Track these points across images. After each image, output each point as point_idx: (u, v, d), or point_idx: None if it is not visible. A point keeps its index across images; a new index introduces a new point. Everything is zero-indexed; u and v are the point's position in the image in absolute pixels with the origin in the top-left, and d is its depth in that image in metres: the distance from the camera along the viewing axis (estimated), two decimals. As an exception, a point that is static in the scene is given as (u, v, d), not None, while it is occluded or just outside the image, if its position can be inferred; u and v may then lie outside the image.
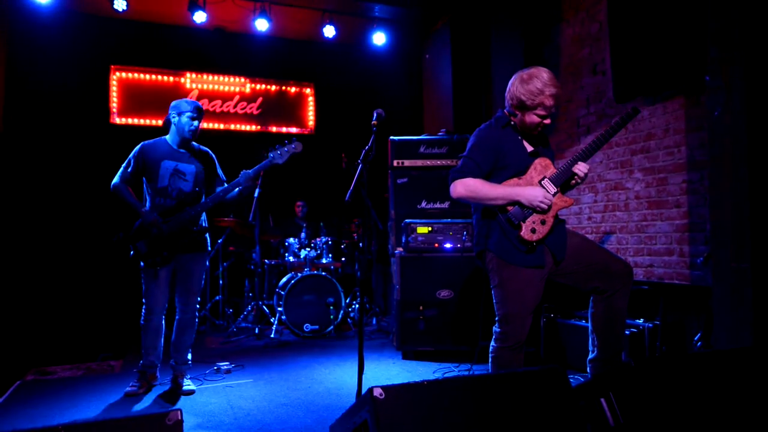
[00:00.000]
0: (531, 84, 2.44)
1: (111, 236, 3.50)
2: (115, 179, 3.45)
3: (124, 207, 3.45)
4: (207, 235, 3.58)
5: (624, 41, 4.00)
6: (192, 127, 3.45)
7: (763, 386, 1.89)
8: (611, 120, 4.43)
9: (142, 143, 3.49)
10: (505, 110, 2.60)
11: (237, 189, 3.47)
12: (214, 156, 3.64)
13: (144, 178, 3.47)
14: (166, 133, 3.55)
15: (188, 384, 3.55)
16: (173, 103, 3.49)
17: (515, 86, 2.50)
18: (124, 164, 3.46)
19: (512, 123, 2.56)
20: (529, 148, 2.57)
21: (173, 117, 3.47)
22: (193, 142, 3.58)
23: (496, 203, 2.45)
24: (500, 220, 2.47)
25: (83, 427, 1.42)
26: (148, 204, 3.46)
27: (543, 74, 2.45)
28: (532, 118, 2.48)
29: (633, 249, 4.25)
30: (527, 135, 2.58)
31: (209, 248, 3.60)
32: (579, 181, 2.55)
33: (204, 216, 3.57)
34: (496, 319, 2.54)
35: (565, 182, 2.54)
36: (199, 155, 3.57)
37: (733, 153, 2.95)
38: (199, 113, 3.48)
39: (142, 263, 3.39)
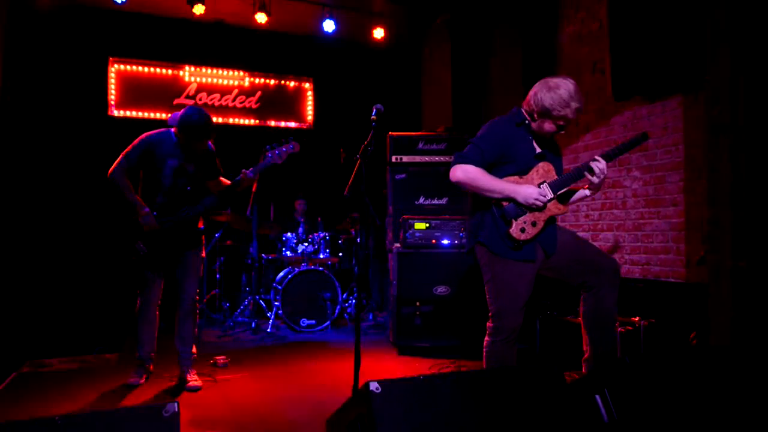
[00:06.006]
0: (558, 92, 2.42)
1: (108, 230, 3.49)
2: (116, 169, 3.32)
3: (120, 199, 3.35)
4: (203, 232, 3.59)
5: (624, 40, 4.00)
6: (194, 148, 3.35)
7: (757, 384, 1.90)
8: (609, 119, 4.47)
9: (147, 136, 3.37)
10: (522, 109, 2.60)
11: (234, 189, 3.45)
12: (213, 150, 3.59)
13: (143, 171, 3.40)
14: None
15: (194, 380, 3.49)
16: (181, 119, 3.27)
17: (542, 92, 2.47)
18: (127, 154, 3.32)
19: (526, 122, 2.57)
20: (537, 150, 2.59)
21: (178, 133, 3.32)
22: None
23: (492, 196, 2.47)
24: (494, 212, 2.49)
25: (80, 419, 1.42)
26: (141, 195, 3.39)
27: (570, 85, 2.43)
28: (550, 125, 2.50)
29: (630, 247, 4.26)
30: (538, 137, 2.59)
31: (203, 242, 3.61)
32: (597, 181, 2.50)
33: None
34: (490, 314, 2.57)
35: (564, 193, 2.55)
36: (201, 151, 3.49)
37: (731, 151, 2.96)
38: (200, 138, 3.30)
39: (143, 265, 3.38)
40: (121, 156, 3.35)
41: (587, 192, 2.65)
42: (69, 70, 6.04)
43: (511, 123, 2.57)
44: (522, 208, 2.46)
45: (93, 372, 3.85)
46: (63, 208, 5.89)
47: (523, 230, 2.46)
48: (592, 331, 2.65)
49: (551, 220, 2.57)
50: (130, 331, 3.60)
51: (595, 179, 2.50)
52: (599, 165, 2.48)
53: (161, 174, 3.34)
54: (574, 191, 2.66)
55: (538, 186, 2.49)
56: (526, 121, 2.56)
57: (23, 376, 3.74)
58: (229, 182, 3.52)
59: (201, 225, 3.57)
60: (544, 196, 2.45)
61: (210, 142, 3.54)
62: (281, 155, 3.40)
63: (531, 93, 2.53)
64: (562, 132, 2.53)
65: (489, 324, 2.57)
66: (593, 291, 2.61)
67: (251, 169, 3.41)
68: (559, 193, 2.51)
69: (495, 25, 5.61)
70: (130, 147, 3.36)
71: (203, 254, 3.61)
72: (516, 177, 2.51)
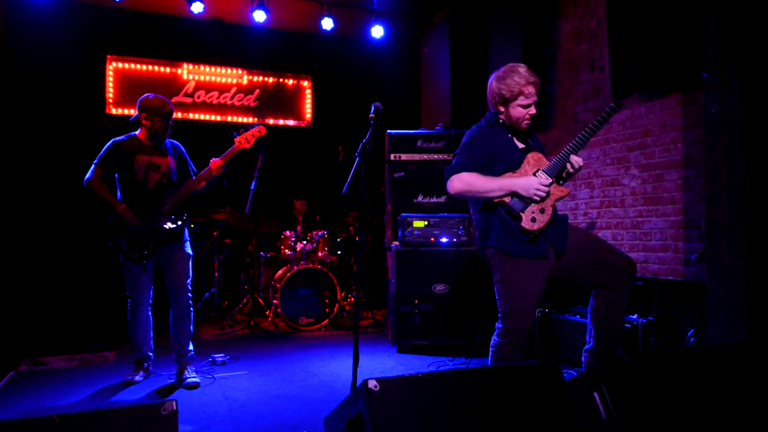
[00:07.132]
0: (508, 78, 2.52)
1: (104, 229, 3.48)
2: (89, 175, 3.43)
3: (99, 203, 3.45)
4: (185, 226, 3.59)
5: (622, 37, 4.00)
6: (164, 131, 3.48)
7: (755, 381, 1.90)
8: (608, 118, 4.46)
9: (114, 139, 3.49)
10: (490, 110, 2.67)
11: (207, 178, 3.48)
12: (184, 149, 3.68)
13: (117, 173, 3.48)
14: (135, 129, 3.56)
15: (192, 377, 3.51)
16: (143, 105, 3.45)
17: (494, 85, 2.57)
18: (97, 161, 3.45)
19: (501, 120, 2.62)
20: (520, 145, 2.64)
21: (144, 120, 3.46)
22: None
23: (494, 195, 2.48)
24: (500, 212, 2.50)
25: (78, 417, 1.42)
26: (119, 196, 3.48)
27: (519, 68, 2.54)
28: (516, 110, 2.54)
29: (628, 245, 4.26)
30: (516, 132, 2.63)
31: (187, 237, 3.60)
32: (572, 171, 2.57)
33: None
34: (499, 315, 2.55)
35: (559, 173, 2.57)
36: (171, 149, 3.59)
37: (729, 150, 2.96)
38: (169, 118, 3.49)
39: (127, 261, 3.42)
40: (92, 165, 3.46)
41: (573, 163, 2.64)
42: (67, 67, 6.02)
43: (487, 126, 2.63)
44: (526, 199, 2.47)
45: (91, 370, 3.85)
46: (61, 206, 5.88)
47: (534, 220, 2.47)
48: (599, 327, 2.65)
49: (560, 216, 2.57)
50: (127, 331, 3.60)
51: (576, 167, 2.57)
52: (576, 159, 2.56)
53: (133, 170, 3.43)
54: (564, 168, 2.65)
55: (534, 175, 2.51)
56: (500, 119, 2.61)
57: (21, 374, 3.74)
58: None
59: (184, 217, 3.56)
60: (546, 183, 2.46)
61: (182, 146, 3.67)
62: (248, 139, 3.62)
63: (488, 91, 2.61)
64: (532, 111, 2.54)
65: (498, 325, 2.56)
66: (607, 289, 2.60)
67: (220, 157, 3.50)
68: (555, 175, 2.53)
69: (494, 22, 5.60)
70: (99, 154, 3.47)
71: (189, 250, 3.59)
72: (510, 173, 2.53)
